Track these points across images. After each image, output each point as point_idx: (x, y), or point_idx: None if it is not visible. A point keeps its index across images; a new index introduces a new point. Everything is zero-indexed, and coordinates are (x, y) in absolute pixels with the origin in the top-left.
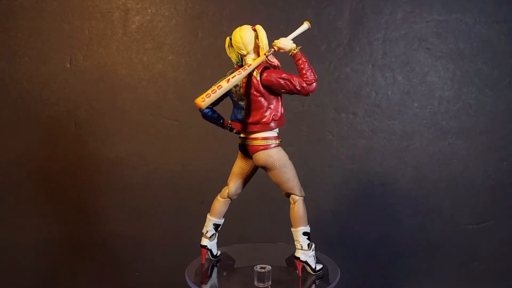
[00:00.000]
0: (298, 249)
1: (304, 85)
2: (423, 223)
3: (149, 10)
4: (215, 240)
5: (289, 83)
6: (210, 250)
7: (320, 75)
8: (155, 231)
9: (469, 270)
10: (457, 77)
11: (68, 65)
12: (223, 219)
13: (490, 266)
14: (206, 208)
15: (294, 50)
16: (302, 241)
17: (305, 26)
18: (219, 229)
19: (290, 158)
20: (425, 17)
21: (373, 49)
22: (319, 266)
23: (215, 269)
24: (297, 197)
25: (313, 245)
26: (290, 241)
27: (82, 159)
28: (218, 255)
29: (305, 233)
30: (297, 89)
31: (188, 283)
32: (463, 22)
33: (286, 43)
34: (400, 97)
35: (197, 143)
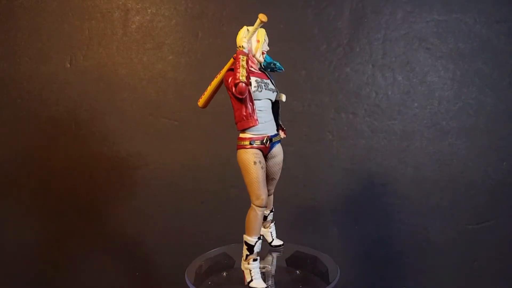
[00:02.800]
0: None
1: (231, 86)
2: (423, 223)
3: (149, 10)
4: (270, 229)
5: (227, 85)
6: (263, 236)
7: (320, 75)
8: (155, 231)
9: (469, 270)
10: (457, 77)
11: (68, 65)
12: (268, 211)
13: (490, 266)
14: (206, 208)
15: (237, 48)
16: (243, 249)
17: (258, 21)
18: (267, 218)
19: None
20: (425, 17)
21: (373, 49)
22: (258, 284)
23: (215, 269)
24: (252, 204)
25: (252, 259)
26: (290, 240)
27: (82, 159)
28: (273, 243)
29: (246, 243)
30: (230, 91)
31: (188, 283)
32: (463, 22)
33: (239, 41)
34: (400, 97)
35: (197, 143)
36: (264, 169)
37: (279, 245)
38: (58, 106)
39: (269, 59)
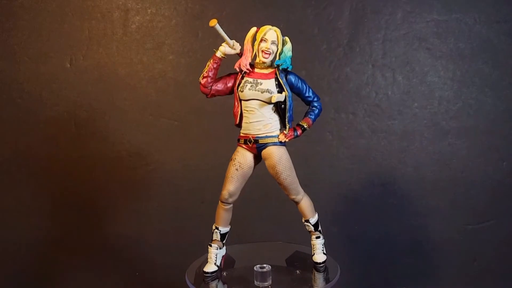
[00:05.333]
0: None
1: None
2: (423, 223)
3: (149, 10)
4: (312, 241)
5: None
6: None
7: (320, 75)
8: (155, 231)
9: (469, 270)
10: (457, 77)
11: (68, 65)
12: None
13: (490, 266)
14: (206, 208)
15: None
16: None
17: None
18: (309, 230)
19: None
20: (425, 17)
21: (373, 49)
22: (206, 267)
23: (215, 269)
24: None
25: (209, 244)
26: (290, 240)
27: (82, 159)
28: (313, 258)
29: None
30: None
31: (188, 283)
32: (463, 22)
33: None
34: (400, 97)
35: (197, 143)
36: (238, 167)
37: (318, 263)
38: (58, 106)
39: (282, 60)
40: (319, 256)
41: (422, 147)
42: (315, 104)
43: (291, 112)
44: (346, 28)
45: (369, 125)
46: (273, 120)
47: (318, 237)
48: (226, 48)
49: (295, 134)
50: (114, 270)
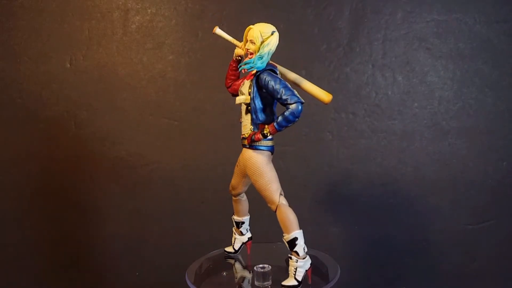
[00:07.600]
0: None
1: None
2: (423, 223)
3: (149, 10)
4: (289, 261)
5: None
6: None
7: (320, 75)
8: (155, 231)
9: (469, 270)
10: (457, 77)
11: (68, 65)
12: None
13: (490, 266)
14: (206, 208)
15: None
16: None
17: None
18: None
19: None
20: (425, 17)
21: (373, 49)
22: (228, 247)
23: (215, 269)
24: None
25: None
26: None
27: (82, 159)
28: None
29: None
30: None
31: (188, 283)
32: (463, 22)
33: None
34: (400, 97)
35: (197, 143)
36: (237, 164)
37: (282, 285)
38: (58, 106)
39: (246, 61)
40: (287, 280)
41: (422, 147)
42: (288, 107)
43: (257, 115)
44: (346, 28)
45: (369, 125)
46: (248, 122)
47: (290, 257)
48: (238, 50)
49: (252, 138)
50: (114, 270)
